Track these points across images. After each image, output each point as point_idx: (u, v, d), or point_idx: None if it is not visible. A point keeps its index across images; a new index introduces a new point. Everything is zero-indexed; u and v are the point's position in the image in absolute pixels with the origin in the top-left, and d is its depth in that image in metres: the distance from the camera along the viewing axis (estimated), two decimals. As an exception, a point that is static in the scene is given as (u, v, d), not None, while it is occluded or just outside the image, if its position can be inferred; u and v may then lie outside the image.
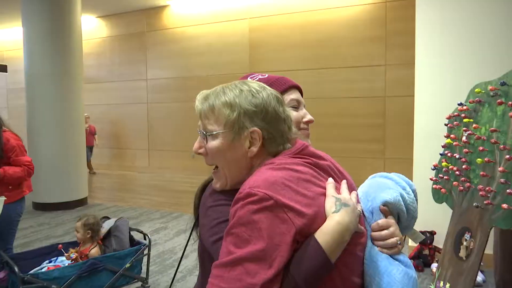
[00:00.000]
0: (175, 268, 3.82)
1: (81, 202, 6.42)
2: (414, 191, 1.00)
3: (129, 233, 3.16)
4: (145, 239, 3.09)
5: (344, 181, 0.94)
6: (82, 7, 6.73)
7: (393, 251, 0.91)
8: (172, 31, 9.45)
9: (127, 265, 2.87)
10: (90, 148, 9.48)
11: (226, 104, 0.91)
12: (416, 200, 1.01)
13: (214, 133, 0.93)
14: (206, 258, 1.00)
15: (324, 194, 0.87)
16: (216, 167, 0.98)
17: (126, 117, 10.29)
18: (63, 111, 6.16)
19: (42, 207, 6.11)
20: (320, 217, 0.83)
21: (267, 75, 1.22)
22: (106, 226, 3.17)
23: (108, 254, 2.86)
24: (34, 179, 6.12)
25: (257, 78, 1.18)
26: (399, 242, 0.92)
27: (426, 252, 3.61)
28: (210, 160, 0.98)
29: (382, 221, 0.93)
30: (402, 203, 0.95)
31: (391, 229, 0.92)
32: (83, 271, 2.61)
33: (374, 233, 0.93)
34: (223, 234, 0.86)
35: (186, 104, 9.31)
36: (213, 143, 0.93)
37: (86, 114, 9.09)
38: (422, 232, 3.68)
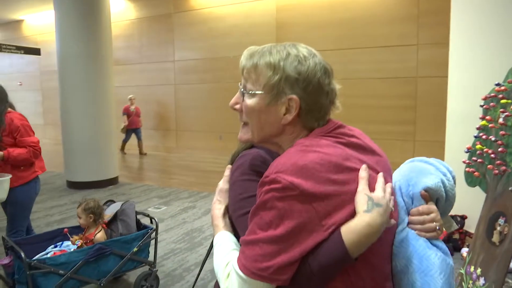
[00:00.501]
0: (203, 246, 3.91)
1: (112, 181, 6.62)
2: (453, 178, 0.97)
3: (136, 217, 3.07)
4: (151, 223, 3.02)
5: (380, 175, 0.88)
6: (110, -11, 6.79)
7: (432, 235, 0.89)
8: (198, 12, 9.42)
9: (135, 249, 2.78)
10: (134, 130, 9.36)
11: (269, 65, 0.88)
12: (455, 184, 0.98)
13: (251, 92, 0.91)
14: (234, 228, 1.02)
15: (355, 179, 0.84)
16: (246, 123, 0.96)
17: (154, 99, 10.44)
18: (94, 92, 6.30)
19: (76, 185, 6.34)
20: (347, 205, 0.81)
21: None
22: (112, 209, 3.07)
23: (115, 239, 2.78)
24: (68, 158, 6.38)
25: None
26: (438, 228, 0.90)
27: (456, 236, 3.53)
28: (244, 118, 0.95)
29: (423, 207, 0.90)
30: (443, 189, 0.93)
31: (432, 215, 0.90)
32: (90, 256, 2.55)
33: (413, 218, 0.91)
34: (245, 210, 0.88)
35: (212, 85, 9.34)
36: (249, 102, 0.91)
37: (131, 96, 9.29)
38: (453, 216, 3.60)
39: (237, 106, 0.96)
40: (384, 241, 0.87)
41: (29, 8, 11.62)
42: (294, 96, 0.87)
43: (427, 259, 0.87)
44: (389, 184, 0.89)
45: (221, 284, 0.88)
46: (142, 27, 10.39)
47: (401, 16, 7.15)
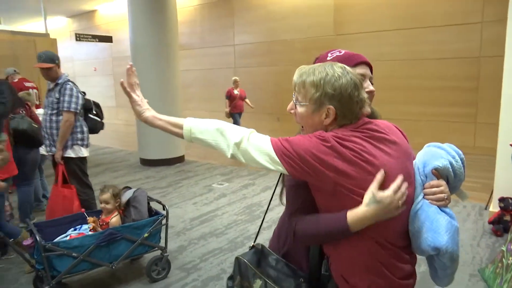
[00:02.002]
0: (261, 219, 4.31)
1: (179, 159, 7.24)
2: (462, 160, 1.24)
3: (148, 203, 3.19)
4: (164, 209, 3.11)
5: (399, 177, 1.14)
6: (176, -23, 7.24)
7: (441, 203, 1.17)
8: (258, -3, 9.67)
9: (145, 234, 2.90)
10: (239, 114, 8.50)
11: (313, 84, 1.19)
12: (464, 166, 1.24)
13: (301, 103, 1.23)
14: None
15: (372, 163, 1.12)
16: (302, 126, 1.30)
17: (216, 81, 10.95)
18: (162, 76, 6.88)
19: (148, 162, 7.03)
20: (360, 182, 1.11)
21: (343, 52, 1.40)
22: (126, 196, 3.18)
23: (126, 225, 2.89)
24: (141, 138, 7.06)
25: (335, 55, 1.39)
26: (445, 197, 1.18)
27: (507, 218, 3.60)
28: (297, 120, 1.29)
29: (433, 182, 1.19)
30: (451, 169, 1.20)
31: (441, 188, 1.18)
32: (101, 241, 2.68)
33: (427, 190, 1.20)
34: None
35: (271, 68, 9.63)
36: (300, 110, 1.24)
37: (236, 78, 8.48)
38: (504, 199, 3.67)
39: (292, 111, 1.29)
40: (398, 220, 1.16)
41: (102, -1, 12.56)
42: (331, 106, 1.18)
43: (437, 221, 1.15)
44: (404, 184, 1.15)
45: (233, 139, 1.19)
46: (204, 13, 10.86)
47: (465, -8, 6.91)
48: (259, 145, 1.18)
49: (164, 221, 3.06)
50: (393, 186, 1.12)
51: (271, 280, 1.32)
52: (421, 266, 2.80)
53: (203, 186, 5.70)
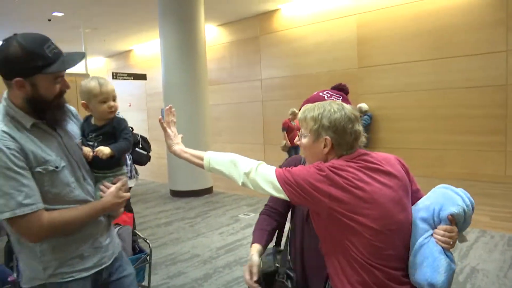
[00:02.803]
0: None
1: (208, 191, 7.45)
2: (472, 206, 1.34)
3: (132, 241, 3.07)
4: (149, 247, 3.06)
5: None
6: (205, 18, 7.68)
7: (447, 247, 1.29)
8: (283, 33, 10.06)
9: None
10: (296, 148, 7.88)
11: (312, 118, 1.39)
12: (473, 211, 1.35)
13: (304, 135, 1.42)
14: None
15: (364, 190, 1.27)
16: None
17: (244, 114, 11.27)
18: (192, 111, 7.21)
19: (178, 194, 7.28)
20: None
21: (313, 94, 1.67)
22: None
23: None
24: (171, 171, 7.34)
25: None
26: (452, 242, 1.30)
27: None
28: (302, 151, 1.48)
29: (448, 227, 1.30)
30: (463, 215, 1.31)
31: (453, 234, 1.30)
32: None
33: (439, 231, 1.30)
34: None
35: (297, 101, 9.82)
36: (303, 141, 1.43)
37: (294, 109, 7.98)
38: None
39: (299, 143, 1.47)
40: (389, 244, 1.29)
41: (137, 40, 13.38)
42: (327, 137, 1.36)
43: (439, 260, 1.27)
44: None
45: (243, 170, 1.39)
46: (232, 49, 11.36)
47: (488, 21, 6.97)
48: (265, 175, 1.36)
49: (148, 258, 2.99)
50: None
51: None
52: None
53: (229, 216, 5.84)
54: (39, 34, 1.38)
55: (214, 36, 11.57)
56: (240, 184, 1.40)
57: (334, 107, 1.38)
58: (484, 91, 7.12)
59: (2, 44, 1.37)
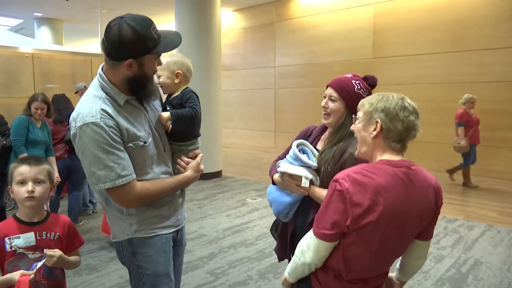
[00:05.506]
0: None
1: (217, 174, 7.52)
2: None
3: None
4: None
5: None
6: (221, 2, 7.65)
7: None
8: (298, 20, 9.99)
9: None
10: (474, 148, 6.33)
11: (370, 102, 1.40)
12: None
13: (358, 117, 1.44)
14: None
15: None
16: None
17: (256, 101, 11.28)
18: (205, 96, 7.20)
19: (187, 176, 7.34)
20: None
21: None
22: None
23: None
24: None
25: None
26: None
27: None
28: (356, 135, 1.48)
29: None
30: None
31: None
32: None
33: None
34: None
35: (310, 89, 9.82)
36: (358, 125, 1.44)
37: (471, 96, 6.23)
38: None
39: (353, 128, 1.47)
40: (380, 262, 1.39)
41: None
42: (378, 119, 1.36)
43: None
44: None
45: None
46: (247, 35, 11.32)
47: (506, 16, 6.83)
48: (310, 245, 1.38)
49: None
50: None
51: None
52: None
53: (237, 200, 5.91)
54: (145, 17, 1.50)
55: (229, 21, 11.53)
56: (313, 269, 1.41)
57: (394, 96, 1.39)
58: (499, 87, 7.01)
59: (112, 28, 1.45)
